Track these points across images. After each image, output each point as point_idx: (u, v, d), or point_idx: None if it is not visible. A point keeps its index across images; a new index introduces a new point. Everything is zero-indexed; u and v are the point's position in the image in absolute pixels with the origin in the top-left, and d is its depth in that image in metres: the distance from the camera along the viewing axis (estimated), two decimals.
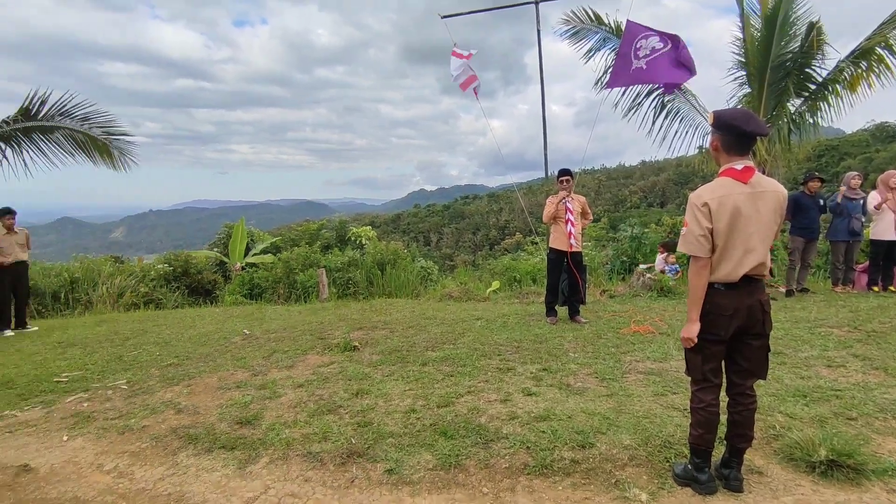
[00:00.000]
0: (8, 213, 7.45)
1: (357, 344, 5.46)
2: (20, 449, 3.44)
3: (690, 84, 8.52)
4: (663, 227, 15.54)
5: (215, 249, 16.40)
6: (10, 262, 7.23)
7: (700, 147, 9.53)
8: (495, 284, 10.09)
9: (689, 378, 2.65)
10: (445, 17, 9.75)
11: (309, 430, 3.44)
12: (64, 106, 10.13)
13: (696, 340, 2.50)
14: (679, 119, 9.49)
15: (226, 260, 15.08)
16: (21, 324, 7.45)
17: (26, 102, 9.90)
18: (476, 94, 9.39)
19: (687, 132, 9.47)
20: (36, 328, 7.51)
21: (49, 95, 9.97)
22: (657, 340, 5.21)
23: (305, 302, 10.20)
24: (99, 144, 10.12)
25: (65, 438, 3.55)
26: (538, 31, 10.10)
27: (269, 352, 5.43)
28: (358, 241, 15.75)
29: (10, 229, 7.36)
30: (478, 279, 12.32)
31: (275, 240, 16.87)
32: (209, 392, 4.30)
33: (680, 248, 2.56)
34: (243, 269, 13.89)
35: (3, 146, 9.99)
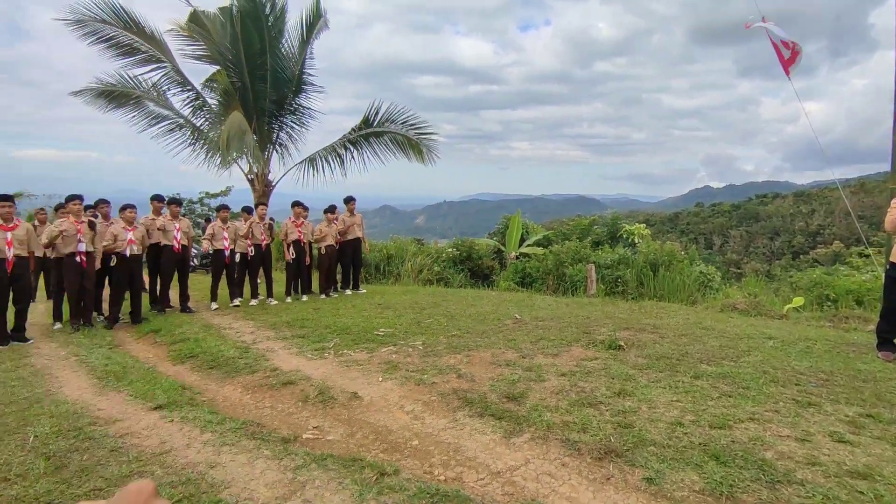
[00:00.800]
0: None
1: (622, 344, 5.32)
2: (352, 380, 4.55)
3: None
4: None
5: (494, 238, 18.02)
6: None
7: None
8: (797, 301, 8.35)
9: None
10: None
11: (569, 419, 3.56)
12: (390, 114, 12.69)
13: None
14: None
15: (503, 248, 16.45)
16: (356, 286, 9.71)
17: (366, 114, 12.77)
18: (788, 71, 7.77)
19: None
20: (365, 291, 9.68)
21: (380, 106, 12.64)
22: None
23: (573, 295, 10.37)
24: (413, 143, 12.36)
25: (380, 379, 4.54)
26: None
27: (536, 338, 5.77)
28: (630, 239, 15.09)
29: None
30: (773, 292, 10.40)
31: (547, 233, 17.54)
32: (483, 365, 4.85)
33: None
34: (517, 258, 14.92)
35: (351, 148, 13.16)
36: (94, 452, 3.18)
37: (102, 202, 7.86)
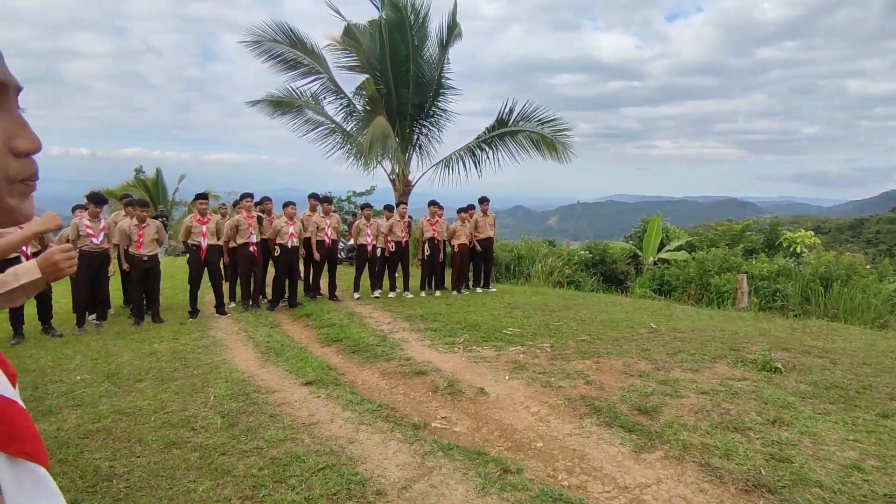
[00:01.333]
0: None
1: (780, 366, 4.70)
2: (479, 375, 4.65)
3: None
4: None
5: (630, 242, 17.05)
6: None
7: None
8: None
9: None
10: None
11: (709, 441, 3.27)
12: (525, 113, 12.67)
13: None
14: None
15: (639, 253, 15.50)
16: (486, 285, 9.86)
17: (500, 114, 12.90)
18: None
19: None
20: (495, 290, 9.80)
21: (515, 105, 12.67)
22: None
23: (718, 307, 9.41)
24: (548, 141, 12.20)
25: (506, 378, 4.58)
26: None
27: (674, 350, 5.36)
28: (792, 249, 13.25)
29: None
30: None
31: (691, 238, 16.13)
32: (614, 373, 4.64)
33: None
34: (655, 264, 13.96)
35: (486, 149, 13.39)
36: (258, 416, 3.68)
37: (266, 199, 8.95)
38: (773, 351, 5.23)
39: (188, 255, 7.41)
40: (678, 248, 14.96)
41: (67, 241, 6.30)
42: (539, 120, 12.48)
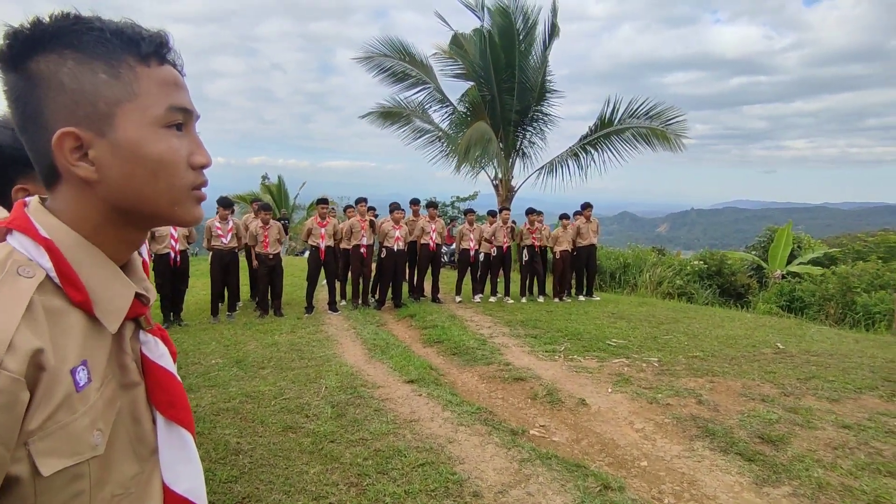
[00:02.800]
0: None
1: None
2: (580, 386, 4.51)
3: None
4: None
5: (753, 252, 15.52)
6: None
7: None
8: None
9: None
10: None
11: (853, 483, 2.87)
12: (632, 109, 12.08)
13: None
14: None
15: (764, 265, 14.04)
16: (589, 293, 9.53)
17: (602, 112, 12.42)
18: None
19: None
20: (598, 298, 9.44)
21: (620, 103, 12.14)
22: None
23: (867, 330, 8.22)
24: (658, 133, 11.55)
25: (609, 391, 4.39)
26: None
27: (806, 375, 4.78)
28: None
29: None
30: None
31: (830, 250, 14.28)
32: (731, 395, 4.25)
33: None
34: (784, 277, 12.55)
35: (591, 151, 12.96)
36: (363, 409, 3.89)
37: (367, 207, 9.37)
38: None
39: (308, 254, 8.05)
40: (813, 261, 13.34)
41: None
42: (648, 114, 11.85)
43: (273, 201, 21.49)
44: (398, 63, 12.97)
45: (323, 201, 8.20)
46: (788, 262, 13.49)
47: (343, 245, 8.22)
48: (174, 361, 0.71)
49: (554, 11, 12.23)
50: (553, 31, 12.38)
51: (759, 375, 4.75)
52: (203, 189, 0.65)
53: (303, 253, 8.66)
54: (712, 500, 2.78)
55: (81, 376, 0.55)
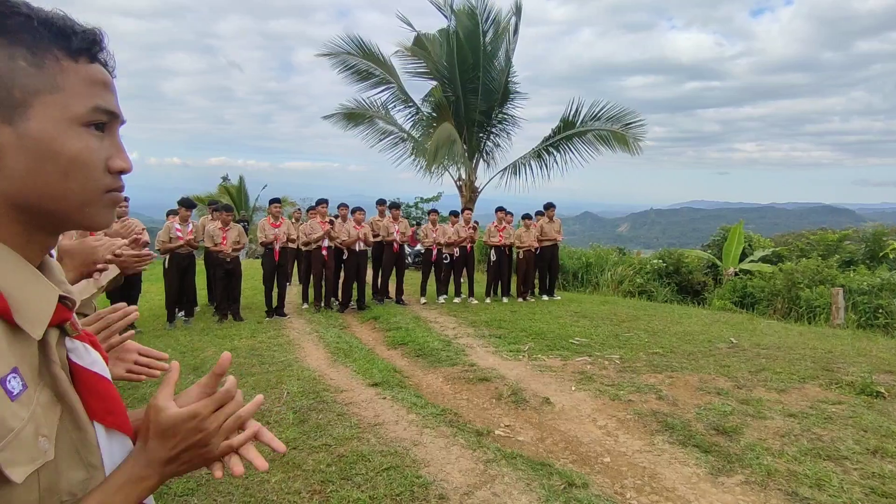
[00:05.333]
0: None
1: (883, 390, 4.25)
2: (544, 385, 4.56)
3: None
4: None
5: (708, 251, 16.11)
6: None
7: None
8: None
9: None
10: None
11: (797, 469, 3.01)
12: (593, 112, 12.39)
13: None
14: None
15: (718, 263, 14.60)
16: (551, 293, 9.67)
17: (565, 114, 12.68)
18: None
19: None
20: (560, 298, 9.59)
21: (582, 106, 12.43)
22: None
23: (809, 323, 8.66)
24: (618, 135, 11.86)
25: (572, 389, 4.46)
26: None
27: (757, 367, 4.99)
28: None
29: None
30: None
31: (778, 248, 14.99)
32: (689, 389, 4.39)
33: None
34: (736, 274, 13.08)
35: (553, 152, 13.19)
36: (327, 414, 3.82)
37: (342, 206, 9.26)
38: (874, 373, 4.74)
39: (262, 257, 7.84)
40: (763, 259, 13.95)
41: (164, 242, 6.91)
42: (609, 117, 12.15)
43: (233, 203, 20.92)
44: (361, 61, 12.85)
45: (275, 201, 7.97)
46: (741, 260, 14.05)
47: (304, 247, 8.06)
48: (107, 364, 0.68)
49: (518, 12, 12.38)
50: (516, 33, 12.55)
51: (715, 369, 4.92)
52: (119, 194, 0.63)
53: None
54: (671, 492, 2.86)
55: (14, 385, 0.52)
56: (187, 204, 7.19)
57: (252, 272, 10.94)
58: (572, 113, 12.51)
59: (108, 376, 0.66)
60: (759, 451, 3.22)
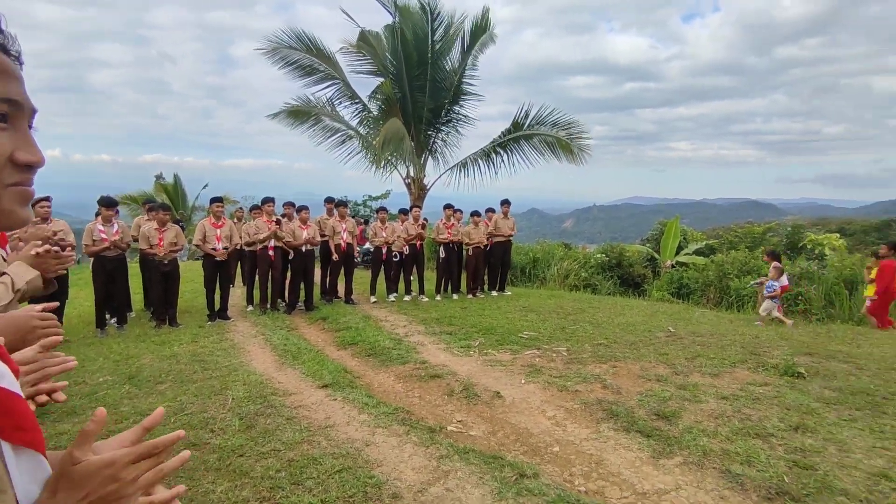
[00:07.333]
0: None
1: (803, 371, 4.60)
2: (495, 379, 4.63)
3: None
4: None
5: (647, 245, 16.88)
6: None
7: None
8: None
9: None
10: None
11: (730, 447, 3.21)
12: (541, 116, 12.64)
13: None
14: None
15: (656, 256, 15.32)
16: (501, 288, 9.82)
17: (516, 117, 12.89)
18: None
19: None
20: (510, 293, 9.76)
21: (530, 109, 12.66)
22: None
23: (738, 311, 9.26)
24: (563, 144, 12.14)
25: (522, 381, 4.55)
26: None
27: (692, 354, 5.28)
28: (817, 251, 12.98)
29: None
30: None
31: (709, 241, 15.92)
32: (631, 377, 4.58)
33: None
34: (673, 266, 13.78)
35: (501, 152, 13.37)
36: (275, 419, 3.71)
37: (288, 204, 8.99)
38: (795, 355, 5.13)
39: (203, 258, 7.50)
40: (697, 251, 14.76)
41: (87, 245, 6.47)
42: (554, 123, 12.44)
43: (170, 202, 19.91)
44: (305, 56, 12.53)
45: (217, 200, 7.61)
46: (677, 253, 14.82)
47: (249, 247, 7.79)
48: (17, 379, 0.63)
49: (483, 16, 12.41)
50: (478, 34, 12.55)
51: (655, 357, 5.17)
52: (28, 188, 0.59)
53: (202, 257, 8.08)
54: (616, 476, 2.98)
55: None
56: (107, 203, 6.70)
57: (192, 274, 10.48)
58: (521, 116, 12.73)
59: (18, 391, 0.61)
60: (695, 433, 3.41)
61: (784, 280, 7.71)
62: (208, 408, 3.92)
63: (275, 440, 3.35)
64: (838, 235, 14.06)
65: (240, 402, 4.00)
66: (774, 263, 7.76)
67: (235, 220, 10.18)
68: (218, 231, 7.26)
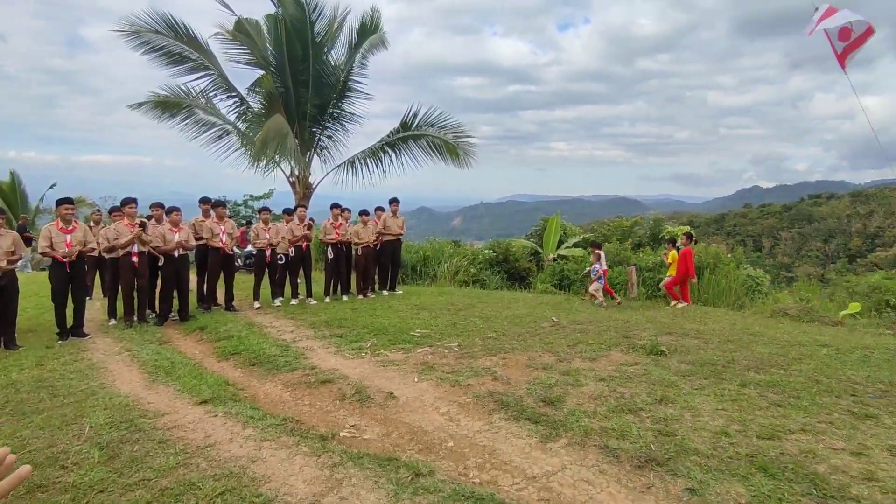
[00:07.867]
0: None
1: (665, 349, 5.16)
2: (388, 380, 4.59)
3: None
4: None
5: (531, 240, 17.86)
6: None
7: None
8: (854, 307, 7.91)
9: None
10: None
11: (607, 425, 3.48)
12: (428, 118, 12.77)
13: None
14: None
15: (540, 250, 16.27)
16: (393, 287, 9.79)
17: (404, 117, 12.91)
18: (844, 64, 7.09)
19: None
20: (402, 292, 9.76)
21: (419, 110, 12.75)
22: None
23: (612, 298, 10.15)
24: (450, 147, 12.37)
25: (415, 380, 4.56)
26: None
27: (574, 341, 5.67)
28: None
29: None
30: (827, 298, 9.90)
31: (586, 235, 17.26)
32: (519, 368, 4.80)
33: None
34: (555, 260, 14.73)
35: (389, 152, 13.31)
36: (144, 444, 3.32)
37: (156, 206, 8.10)
38: (659, 335, 5.74)
39: (49, 268, 6.51)
40: (576, 245, 15.91)
41: None
42: (442, 126, 12.63)
43: (5, 204, 17.09)
44: (174, 43, 11.41)
45: (66, 202, 6.58)
46: (558, 247, 15.86)
47: (111, 254, 6.92)
48: None
49: (372, 14, 12.15)
50: (365, 33, 12.27)
51: (540, 347, 5.47)
52: None
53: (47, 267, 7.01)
54: (509, 464, 3.09)
55: None
56: None
57: (37, 287, 9.08)
58: (410, 116, 12.73)
59: None
60: (577, 414, 3.65)
61: (604, 264, 9.05)
62: (58, 441, 3.39)
63: (144, 468, 2.99)
64: (689, 227, 16.01)
65: (99, 430, 3.53)
66: (595, 251, 9.05)
67: (92, 224, 9.00)
68: (68, 237, 6.34)
